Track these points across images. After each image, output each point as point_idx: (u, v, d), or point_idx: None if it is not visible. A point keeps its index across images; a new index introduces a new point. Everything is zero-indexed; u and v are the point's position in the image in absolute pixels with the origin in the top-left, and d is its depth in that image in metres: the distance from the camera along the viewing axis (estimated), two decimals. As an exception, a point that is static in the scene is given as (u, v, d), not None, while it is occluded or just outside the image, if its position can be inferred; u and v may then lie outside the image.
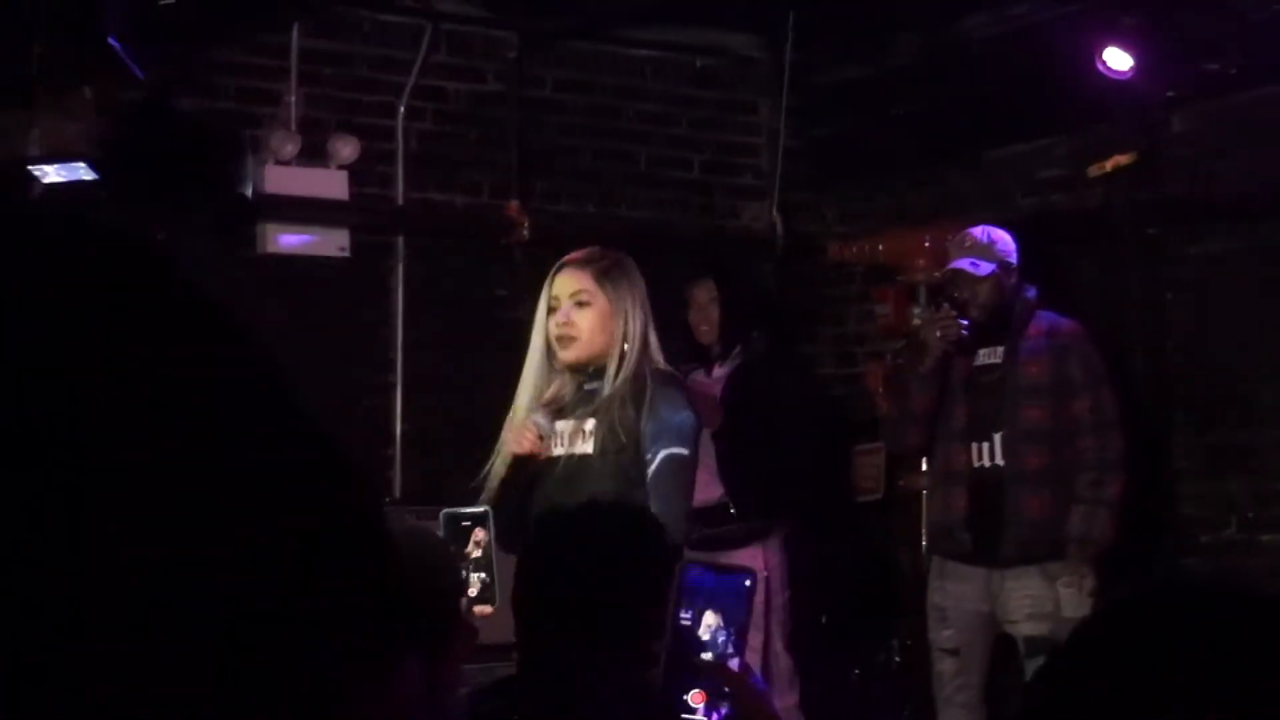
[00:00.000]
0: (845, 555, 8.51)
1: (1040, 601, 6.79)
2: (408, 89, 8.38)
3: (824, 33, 8.79)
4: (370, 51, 8.38)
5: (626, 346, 5.45)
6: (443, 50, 8.52)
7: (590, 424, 5.41)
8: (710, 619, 3.35)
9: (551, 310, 5.50)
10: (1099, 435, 6.89)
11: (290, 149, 7.96)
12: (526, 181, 8.64)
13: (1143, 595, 1.53)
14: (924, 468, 7.86)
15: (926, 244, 8.26)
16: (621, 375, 5.41)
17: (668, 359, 6.94)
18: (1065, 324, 7.14)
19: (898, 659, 8.16)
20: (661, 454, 5.38)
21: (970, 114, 8.37)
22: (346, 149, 8.09)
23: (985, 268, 7.01)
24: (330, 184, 8.09)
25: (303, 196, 8.01)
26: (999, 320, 7.05)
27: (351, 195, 8.17)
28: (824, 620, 8.22)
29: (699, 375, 7.84)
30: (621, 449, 5.36)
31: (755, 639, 6.13)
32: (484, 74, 8.67)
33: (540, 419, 5.49)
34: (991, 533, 6.94)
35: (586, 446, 5.42)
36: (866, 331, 9.06)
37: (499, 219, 8.49)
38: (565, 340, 5.44)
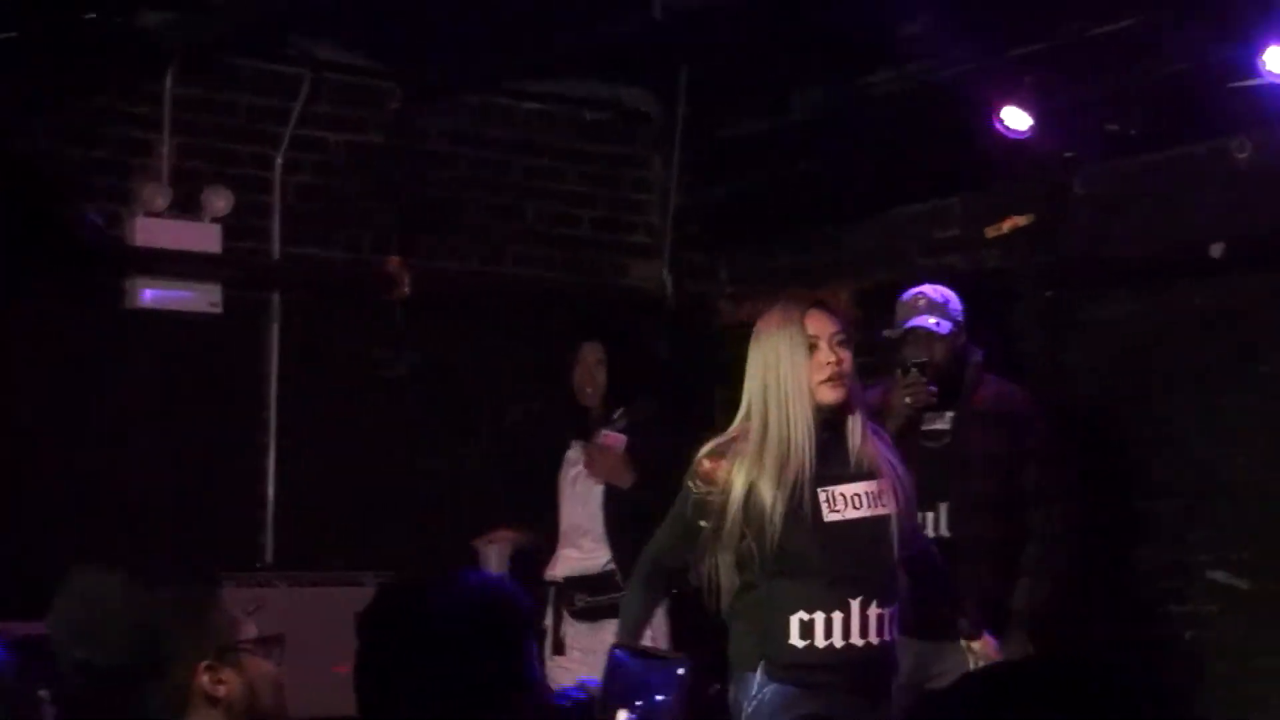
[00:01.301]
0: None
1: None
2: (285, 140, 8.13)
3: (719, 87, 8.61)
4: (247, 100, 8.13)
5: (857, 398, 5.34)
6: (323, 100, 8.27)
7: (875, 484, 5.27)
8: (621, 717, 3.10)
9: (812, 350, 5.21)
10: (1046, 506, 6.71)
11: (161, 201, 7.71)
12: (409, 237, 8.40)
13: (979, 676, 1.68)
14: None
15: (821, 305, 8.06)
16: (864, 424, 5.30)
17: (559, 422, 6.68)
18: (1014, 390, 6.92)
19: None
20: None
21: (867, 172, 8.23)
22: (220, 201, 7.84)
23: (945, 326, 6.76)
24: (202, 237, 7.82)
25: (173, 250, 7.73)
26: (949, 384, 6.78)
27: (225, 249, 7.90)
28: (714, 691, 7.96)
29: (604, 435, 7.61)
30: (907, 508, 5.39)
31: None
32: (365, 125, 8.42)
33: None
34: (937, 604, 6.71)
35: (888, 505, 5.27)
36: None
37: (379, 275, 8.24)
38: (838, 380, 5.20)
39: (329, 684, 3.35)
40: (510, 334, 8.60)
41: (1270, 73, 6.56)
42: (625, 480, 7.41)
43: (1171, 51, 7.07)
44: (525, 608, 3.02)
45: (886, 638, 5.27)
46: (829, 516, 5.20)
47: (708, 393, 9.06)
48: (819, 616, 5.16)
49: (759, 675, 5.29)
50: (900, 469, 5.38)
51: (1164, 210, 7.42)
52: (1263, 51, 6.54)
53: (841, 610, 5.16)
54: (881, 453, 5.34)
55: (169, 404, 7.73)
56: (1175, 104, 7.19)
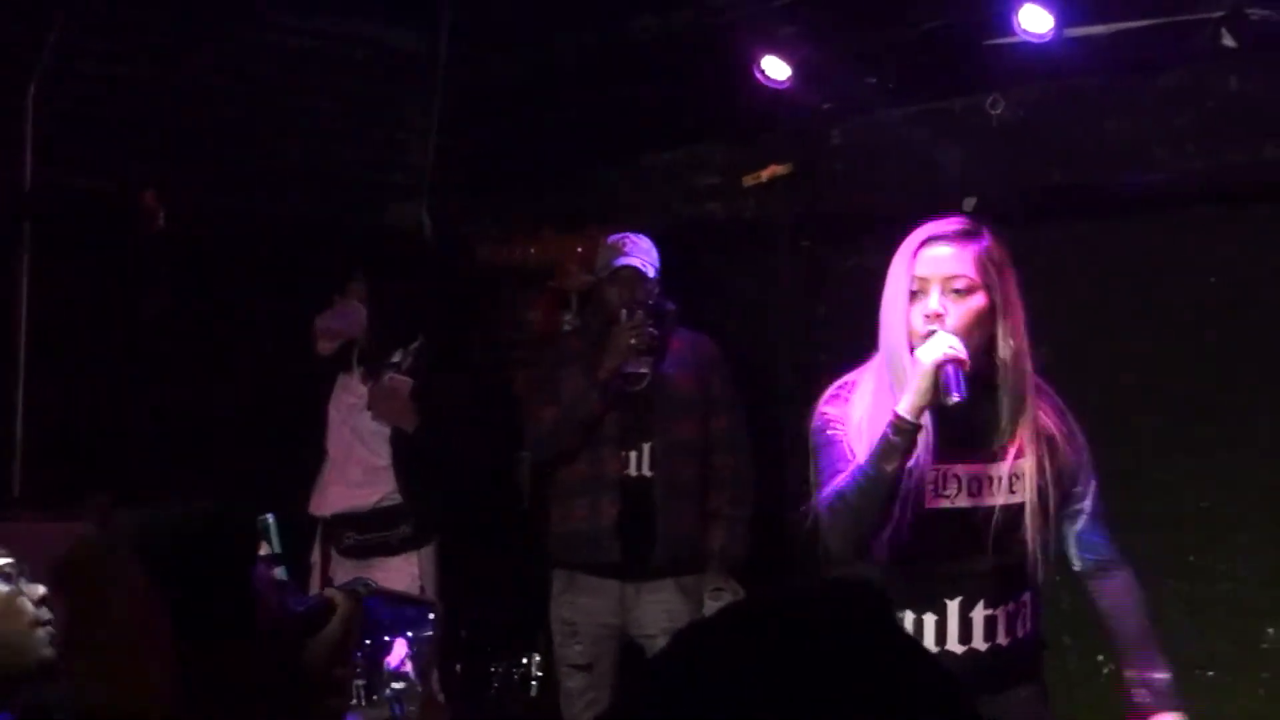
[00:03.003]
0: (485, 567, 8.31)
1: (677, 615, 6.78)
2: (40, 66, 7.95)
3: (483, 29, 8.58)
4: (1, 25, 7.92)
5: (1006, 354, 4.28)
6: (80, 27, 8.09)
7: (1008, 466, 4.27)
8: (401, 648, 3.11)
9: (915, 296, 4.27)
10: (736, 453, 6.97)
11: (-92, 126, 7.52)
12: (167, 170, 8.26)
13: (716, 617, 1.59)
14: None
15: (580, 250, 8.11)
16: (1012, 393, 4.27)
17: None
18: (704, 340, 7.14)
19: (539, 673, 7.99)
20: (1093, 483, 4.45)
21: (629, 118, 8.25)
22: (-28, 128, 7.67)
23: (652, 270, 6.93)
24: (-47, 164, 7.65)
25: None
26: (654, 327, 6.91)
27: (-24, 177, 7.73)
28: (463, 635, 8.01)
29: (353, 377, 7.61)
30: (1054, 492, 4.33)
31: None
32: (123, 55, 8.26)
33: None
34: (640, 543, 6.85)
35: (1021, 493, 4.27)
36: (517, 337, 8.87)
37: (135, 207, 8.09)
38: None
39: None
40: (268, 270, 8.52)
41: (1025, 31, 6.68)
42: (409, 423, 7.43)
43: (929, 7, 7.18)
44: (249, 532, 2.96)
45: (1001, 640, 4.34)
46: (933, 502, 4.27)
47: (465, 336, 9.08)
48: (908, 616, 4.30)
49: None
50: (1069, 446, 4.39)
51: (919, 163, 7.53)
52: (1018, 10, 6.67)
53: (935, 612, 4.30)
54: (1039, 429, 4.33)
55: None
56: (932, 59, 7.29)
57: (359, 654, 3.15)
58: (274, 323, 8.41)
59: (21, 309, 7.90)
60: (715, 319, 7.43)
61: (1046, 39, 6.70)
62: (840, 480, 4.21)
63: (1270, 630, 6.73)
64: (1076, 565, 4.49)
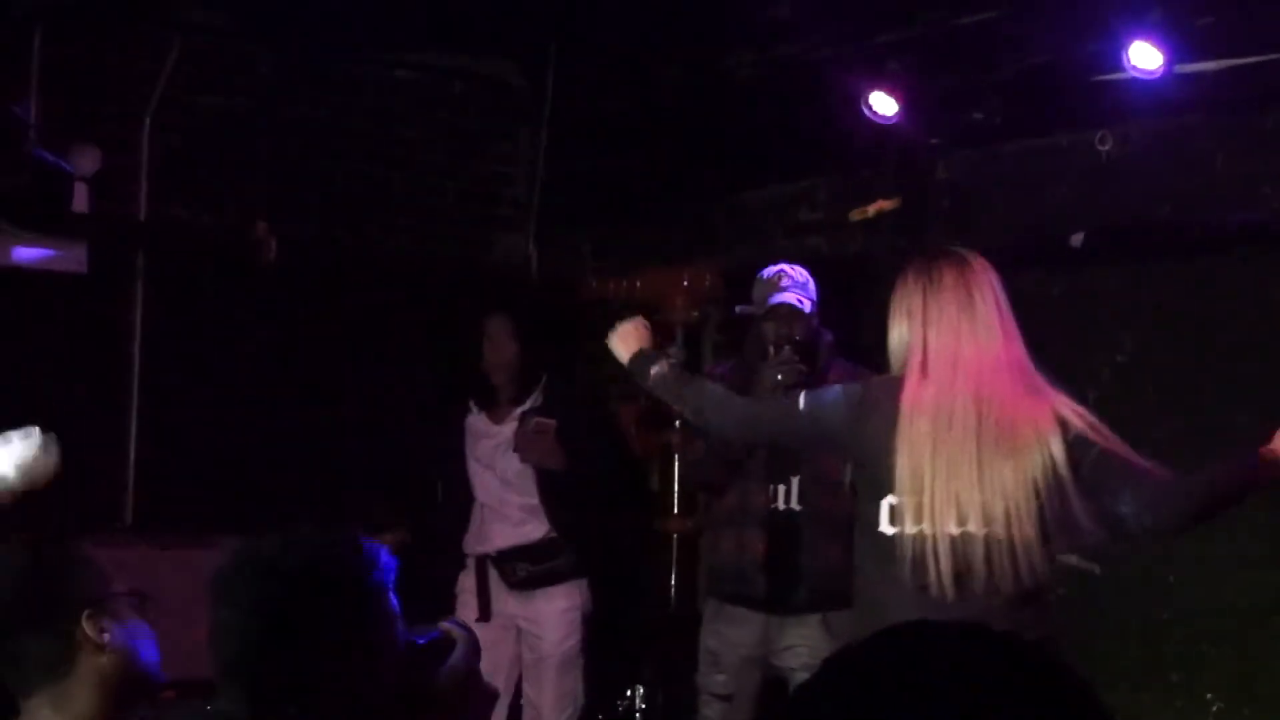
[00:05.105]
0: (594, 596, 8.34)
1: (817, 651, 6.64)
2: (154, 101, 8.06)
3: (586, 62, 8.63)
4: (117, 61, 8.05)
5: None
6: (193, 63, 8.21)
7: None
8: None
9: None
10: None
11: (28, 159, 7.63)
12: (276, 202, 8.36)
13: (868, 643, 1.55)
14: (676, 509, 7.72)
15: (685, 283, 8.12)
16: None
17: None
18: (864, 373, 6.99)
19: (643, 705, 8.00)
20: None
21: (732, 152, 8.27)
22: (87, 160, 7.76)
23: (806, 304, 6.82)
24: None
25: (40, 209, 7.67)
26: (806, 363, 6.81)
27: (91, 209, 7.83)
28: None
29: (481, 418, 7.67)
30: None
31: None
32: (235, 90, 8.37)
33: None
34: (786, 577, 6.78)
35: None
36: (621, 371, 8.88)
37: (246, 239, 8.19)
38: None
39: (187, 647, 3.33)
40: (374, 303, 8.60)
41: (1134, 67, 6.67)
42: (558, 463, 7.46)
43: (1038, 43, 7.18)
44: (375, 561, 2.99)
45: None
46: None
47: (570, 369, 9.10)
48: None
49: None
50: None
51: (1026, 199, 7.52)
52: (1128, 46, 6.66)
53: None
54: None
55: (34, 362, 7.67)
56: (1040, 95, 7.28)
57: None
58: (378, 355, 8.49)
59: (135, 339, 8.00)
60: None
61: (1156, 75, 6.69)
62: None
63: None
64: None
